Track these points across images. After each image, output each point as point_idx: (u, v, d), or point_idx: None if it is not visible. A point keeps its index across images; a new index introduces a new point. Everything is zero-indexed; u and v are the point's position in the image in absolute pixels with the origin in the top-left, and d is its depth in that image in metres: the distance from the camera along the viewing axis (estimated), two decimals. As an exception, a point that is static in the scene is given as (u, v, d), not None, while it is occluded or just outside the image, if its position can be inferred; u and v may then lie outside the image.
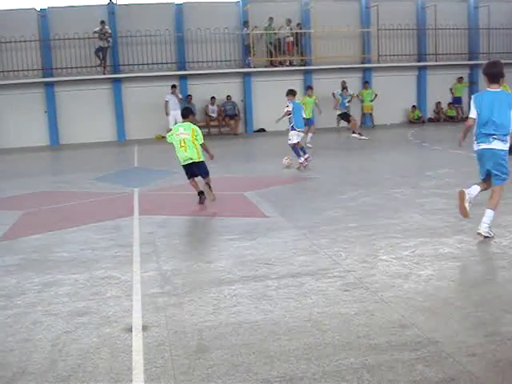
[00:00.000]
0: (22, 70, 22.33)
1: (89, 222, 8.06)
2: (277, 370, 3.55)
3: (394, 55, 25.24)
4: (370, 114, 24.67)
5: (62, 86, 22.77)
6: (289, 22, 23.69)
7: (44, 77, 22.65)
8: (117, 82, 23.13)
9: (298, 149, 12.66)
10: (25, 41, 22.09)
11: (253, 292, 4.95)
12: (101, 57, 22.58)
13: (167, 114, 21.83)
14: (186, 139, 9.11)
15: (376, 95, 23.97)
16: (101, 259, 6.19)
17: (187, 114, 9.81)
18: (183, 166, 9.28)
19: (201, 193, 9.13)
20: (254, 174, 12.36)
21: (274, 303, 4.66)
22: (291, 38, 23.83)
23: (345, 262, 5.69)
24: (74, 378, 3.59)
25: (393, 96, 24.71)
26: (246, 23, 23.60)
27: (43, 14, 22.66)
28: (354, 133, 19.04)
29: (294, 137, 12.67)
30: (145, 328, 4.28)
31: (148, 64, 23.12)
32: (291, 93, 12.87)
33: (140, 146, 19.46)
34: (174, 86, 22.11)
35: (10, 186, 12.27)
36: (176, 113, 21.92)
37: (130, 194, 10.17)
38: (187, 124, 9.42)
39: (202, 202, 9.07)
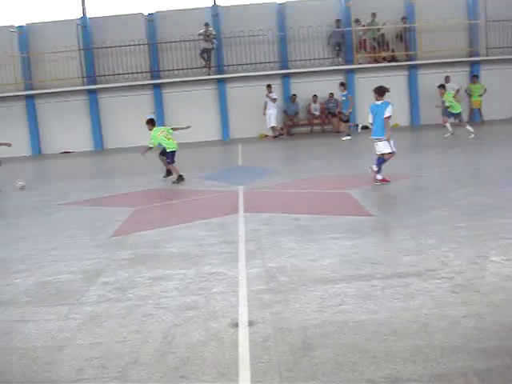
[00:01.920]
0: (132, 73, 23.28)
1: (196, 219, 8.29)
2: (382, 371, 3.50)
3: (504, 47, 24.09)
4: (479, 110, 23.68)
5: (169, 87, 23.54)
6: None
7: (152, 79, 23.50)
8: (221, 82, 23.62)
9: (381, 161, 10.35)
10: (134, 45, 23.03)
11: (358, 291, 4.90)
12: (206, 58, 23.14)
13: (264, 113, 22.13)
14: (169, 132, 12.80)
15: (485, 90, 22.99)
16: (208, 255, 6.35)
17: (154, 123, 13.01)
18: (170, 152, 12.57)
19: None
20: (357, 172, 12.20)
21: (380, 303, 4.59)
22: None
23: (453, 263, 5.51)
24: (182, 369, 3.71)
25: (502, 90, 23.61)
26: (337, 21, 23.44)
27: (150, 19, 23.54)
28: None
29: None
30: (251, 324, 4.35)
31: (251, 64, 23.44)
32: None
33: (244, 145, 19.76)
34: (269, 86, 22.34)
35: (122, 183, 12.86)
36: (271, 111, 22.13)
37: (235, 192, 10.35)
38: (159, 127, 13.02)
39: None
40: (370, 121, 10.27)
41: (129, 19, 23.58)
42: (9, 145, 13.47)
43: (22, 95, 23.66)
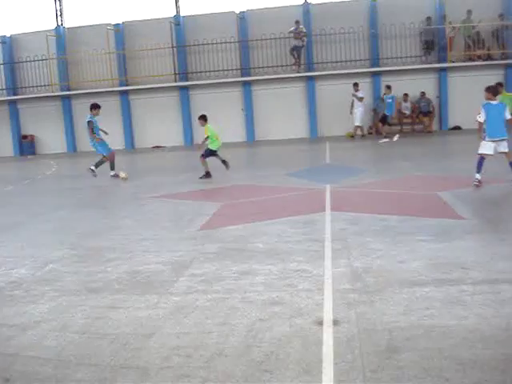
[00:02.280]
0: (223, 70, 23.65)
1: (283, 216, 8.33)
2: (469, 378, 3.39)
3: None
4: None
5: (258, 84, 23.75)
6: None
7: (242, 76, 23.78)
8: (310, 80, 23.57)
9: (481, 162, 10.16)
10: (225, 42, 23.38)
11: (446, 296, 4.77)
12: (295, 55, 23.16)
13: (351, 112, 21.87)
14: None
15: None
16: (294, 252, 6.37)
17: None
18: (215, 151, 13.27)
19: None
20: (448, 174, 11.87)
21: (469, 309, 4.45)
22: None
23: (549, 271, 5.27)
24: (266, 364, 3.74)
25: None
26: (428, 19, 22.81)
27: (242, 17, 23.81)
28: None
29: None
30: (335, 323, 4.33)
31: (341, 62, 23.25)
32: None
33: (331, 143, 19.66)
34: (355, 85, 22.06)
35: (212, 179, 13.07)
36: (357, 110, 21.85)
37: (322, 190, 10.31)
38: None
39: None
40: (481, 119, 9.95)
41: (221, 17, 23.97)
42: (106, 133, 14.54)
43: (116, 91, 24.55)
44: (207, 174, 12.98)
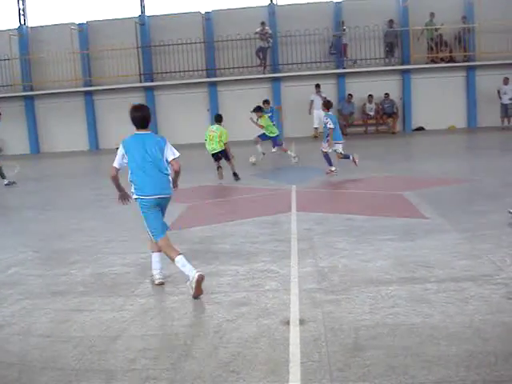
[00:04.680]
0: (188, 71, 23.55)
1: (249, 216, 8.35)
2: (434, 375, 3.45)
3: None
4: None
5: (224, 85, 23.72)
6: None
7: (208, 77, 23.72)
8: (276, 81, 23.63)
9: None
10: (191, 43, 23.29)
11: (411, 294, 4.84)
12: (261, 57, 23.20)
13: (310, 113, 22.05)
14: (214, 135, 12.17)
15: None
16: (260, 253, 6.38)
17: (219, 119, 12.60)
18: (211, 154, 12.39)
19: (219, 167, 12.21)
20: (412, 174, 12.04)
21: (433, 307, 4.52)
22: None
23: (510, 269, 5.37)
24: (233, 364, 3.74)
25: None
26: (391, 21, 23.12)
27: (208, 17, 23.76)
28: None
29: None
30: (302, 322, 4.35)
31: (306, 63, 23.35)
32: None
33: (297, 144, 19.69)
34: (317, 86, 22.26)
35: (200, 179, 12.96)
36: (319, 112, 22.02)
37: (288, 191, 10.35)
38: (218, 126, 12.36)
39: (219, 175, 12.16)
40: None
41: (186, 17, 23.85)
42: None
43: (81, 91, 24.23)
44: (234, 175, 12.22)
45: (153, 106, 24.10)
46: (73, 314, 4.87)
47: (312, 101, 22.12)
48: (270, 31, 22.86)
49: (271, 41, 22.97)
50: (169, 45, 23.38)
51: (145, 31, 23.90)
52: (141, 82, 23.97)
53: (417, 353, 3.76)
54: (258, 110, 15.29)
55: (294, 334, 4.17)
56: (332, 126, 11.87)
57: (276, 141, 15.67)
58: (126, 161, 5.51)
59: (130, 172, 5.53)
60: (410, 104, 23.51)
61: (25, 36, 24.72)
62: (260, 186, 11.17)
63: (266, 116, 15.59)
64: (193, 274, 5.00)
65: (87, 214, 9.51)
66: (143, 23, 23.94)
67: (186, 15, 23.94)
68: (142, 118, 5.67)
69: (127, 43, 23.32)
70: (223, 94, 23.85)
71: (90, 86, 24.36)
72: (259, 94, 23.60)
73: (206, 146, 12.44)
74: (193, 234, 7.56)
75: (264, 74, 23.47)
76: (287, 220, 7.99)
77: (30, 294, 5.53)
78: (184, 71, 23.58)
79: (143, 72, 23.92)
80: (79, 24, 24.49)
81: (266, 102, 17.35)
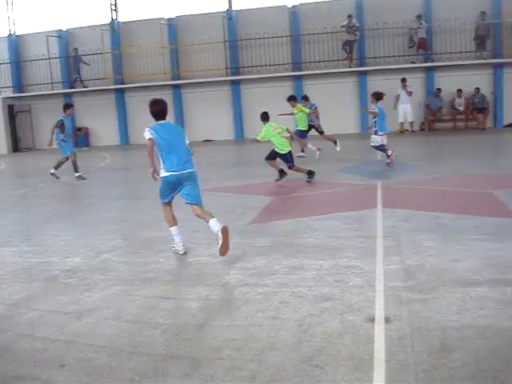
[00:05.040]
0: (274, 65, 23.62)
1: (334, 211, 8.29)
2: (526, 381, 3.32)
3: None
4: None
5: (309, 79, 23.64)
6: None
7: (293, 71, 23.71)
8: (362, 74, 23.32)
9: None
10: (277, 37, 23.34)
11: (501, 296, 4.65)
12: (347, 50, 22.94)
13: (395, 107, 21.51)
14: (281, 132, 11.40)
15: None
16: (344, 248, 6.33)
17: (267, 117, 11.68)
18: (282, 154, 11.41)
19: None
20: (503, 172, 11.57)
21: (525, 310, 4.34)
22: None
23: None
24: (317, 359, 3.73)
25: None
26: (483, 13, 22.17)
27: (294, 11, 23.71)
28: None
29: None
30: (387, 320, 4.28)
31: (393, 56, 22.90)
32: None
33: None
34: (403, 80, 21.74)
35: (260, 172, 13.08)
36: (405, 106, 21.54)
37: (374, 187, 10.20)
38: (274, 123, 11.61)
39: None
40: None
41: (273, 11, 23.93)
42: None
43: (169, 85, 24.81)
44: (310, 173, 11.37)
45: (238, 100, 24.37)
46: (160, 301, 5.01)
47: (398, 95, 21.70)
48: (357, 24, 22.57)
49: (358, 34, 22.68)
50: (255, 39, 23.55)
51: (232, 25, 24.17)
52: (227, 75, 24.26)
53: (507, 357, 3.62)
54: (290, 99, 15.03)
55: (379, 331, 4.10)
56: (376, 110, 12.81)
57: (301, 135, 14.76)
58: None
59: (160, 152, 6.47)
60: (501, 99, 22.62)
61: (116, 31, 25.54)
62: (345, 181, 11.06)
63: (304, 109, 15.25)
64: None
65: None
66: (230, 18, 24.20)
67: (272, 9, 24.02)
68: (162, 110, 6.67)
69: (215, 37, 23.65)
70: (308, 87, 23.75)
71: (179, 79, 24.88)
72: (345, 87, 23.43)
73: (280, 146, 11.43)
74: (277, 227, 7.59)
75: (350, 67, 23.21)
76: (373, 216, 7.87)
77: (119, 281, 5.73)
78: (270, 65, 23.68)
79: (230, 66, 24.19)
80: (168, 19, 25.06)
81: (304, 97, 16.49)
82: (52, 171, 13.79)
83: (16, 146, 26.45)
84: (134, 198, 10.67)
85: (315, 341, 4.01)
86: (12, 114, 26.45)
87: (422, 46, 22.70)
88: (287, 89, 23.91)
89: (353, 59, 23.22)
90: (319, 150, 15.20)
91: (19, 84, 26.95)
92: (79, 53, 25.05)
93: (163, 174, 6.53)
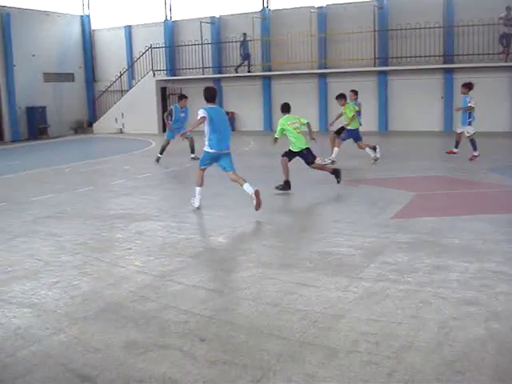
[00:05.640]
0: (424, 57, 22.86)
1: (482, 212, 7.90)
2: None
3: None
4: None
5: (461, 73, 22.59)
6: None
7: (445, 63, 22.81)
8: (521, 69, 21.93)
9: None
10: (429, 27, 22.54)
11: None
12: (504, 44, 21.67)
13: None
14: (298, 128, 10.09)
15: None
16: (492, 252, 6.01)
17: (287, 109, 10.36)
18: (297, 151, 10.08)
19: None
20: None
21: None
22: None
23: None
24: (459, 364, 3.60)
25: None
26: None
27: (449, 1, 22.74)
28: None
29: None
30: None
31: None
32: None
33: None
34: None
35: (403, 167, 12.80)
36: None
37: (526, 189, 9.59)
38: (292, 116, 10.30)
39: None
40: None
41: (426, 1, 23.10)
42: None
43: (315, 73, 24.83)
44: (285, 184, 9.96)
45: (384, 91, 23.89)
46: (299, 288, 5.06)
47: None
48: (517, 16, 21.22)
49: (518, 27, 21.31)
50: (406, 29, 22.88)
51: (383, 15, 23.64)
52: (375, 66, 23.83)
53: None
54: (340, 97, 13.39)
55: (528, 343, 3.88)
56: (473, 105, 13.17)
57: (355, 136, 13.43)
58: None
59: (209, 131, 8.20)
60: None
61: (267, 18, 25.90)
62: (495, 182, 10.46)
63: (352, 106, 13.47)
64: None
65: (316, 194, 9.77)
66: (382, 7, 23.68)
67: (424, -1, 23.19)
68: (214, 94, 8.43)
69: (364, 27, 23.30)
70: (459, 81, 22.70)
71: (325, 68, 24.82)
72: (499, 83, 22.19)
73: (295, 142, 10.06)
74: (421, 224, 7.36)
75: (506, 61, 21.90)
76: (524, 221, 7.41)
77: (260, 263, 5.86)
78: (420, 56, 22.94)
79: (378, 56, 23.74)
80: (319, 7, 25.01)
81: (353, 91, 14.44)
82: (158, 156, 14.83)
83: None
84: (276, 184, 10.78)
85: (457, 345, 3.86)
86: (164, 96, 27.83)
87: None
88: (437, 81, 23.10)
89: (509, 53, 21.88)
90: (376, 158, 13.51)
91: (172, 68, 28.22)
92: (247, 38, 25.58)
93: (207, 149, 8.34)
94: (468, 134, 13.49)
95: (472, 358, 3.69)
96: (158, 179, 12.67)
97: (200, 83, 26.94)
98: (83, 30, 30.03)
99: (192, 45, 26.77)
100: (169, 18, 28.39)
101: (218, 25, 27.24)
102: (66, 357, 3.90)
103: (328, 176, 10.24)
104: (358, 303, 4.66)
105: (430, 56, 22.87)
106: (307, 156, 10.10)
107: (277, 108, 25.52)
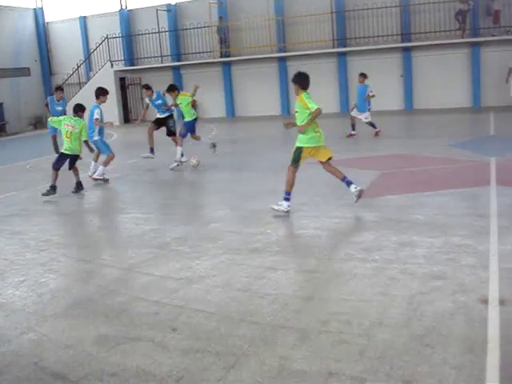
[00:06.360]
0: (382, 36, 23.02)
1: (444, 188, 8.02)
2: None
3: None
4: None
5: (418, 50, 22.84)
6: None
7: (402, 42, 23.00)
8: (475, 46, 22.23)
9: None
10: (384, 7, 22.68)
11: None
12: (460, 20, 21.93)
13: (507, 81, 20.26)
14: (74, 132, 9.62)
15: None
16: (456, 226, 6.11)
17: (78, 109, 9.91)
18: (61, 153, 9.79)
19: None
20: None
21: None
22: None
23: None
24: (428, 338, 3.65)
25: None
26: None
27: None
28: None
29: None
30: (502, 302, 4.11)
31: (506, 27, 21.62)
32: None
33: (496, 114, 18.49)
34: None
35: (368, 146, 12.91)
36: None
37: (486, 163, 9.74)
38: (78, 119, 9.78)
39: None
40: None
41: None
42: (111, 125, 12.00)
43: (274, 57, 24.78)
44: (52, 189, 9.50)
45: (344, 72, 24.02)
46: (268, 272, 5.07)
47: (510, 69, 20.48)
48: (470, -7, 21.48)
49: (472, 3, 21.58)
50: (363, 9, 22.97)
51: (340, -5, 23.72)
52: (334, 47, 23.90)
53: None
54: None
55: (493, 314, 3.95)
56: (374, 94, 13.98)
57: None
58: None
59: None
60: None
61: (223, 4, 25.70)
62: (456, 157, 10.62)
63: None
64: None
65: (280, 177, 9.76)
66: (338, -13, 23.76)
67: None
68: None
69: (321, 8, 23.33)
70: (418, 59, 22.98)
71: (284, 52, 24.80)
72: (456, 59, 22.47)
73: (63, 142, 9.90)
74: (386, 202, 7.45)
75: (463, 37, 22.18)
76: (486, 194, 7.53)
77: (228, 250, 5.86)
78: (378, 36, 23.08)
79: (336, 38, 23.81)
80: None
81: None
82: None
83: (127, 117, 27.50)
84: (241, 170, 10.81)
85: (426, 319, 3.92)
86: (124, 86, 27.49)
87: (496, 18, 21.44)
88: (396, 60, 23.29)
89: (466, 29, 22.16)
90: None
91: (130, 57, 27.87)
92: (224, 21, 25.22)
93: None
94: (366, 120, 14.57)
95: (441, 331, 3.75)
96: (121, 171, 12.51)
97: (159, 72, 26.73)
98: (37, 23, 29.44)
99: (149, 33, 26.46)
100: (124, 7, 27.97)
101: (174, 12, 26.95)
102: (37, 355, 3.84)
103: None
104: (327, 284, 4.70)
105: (387, 35, 23.03)
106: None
107: (239, 93, 25.67)
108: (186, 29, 26.32)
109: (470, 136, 14.01)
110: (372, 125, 14.70)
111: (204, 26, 25.37)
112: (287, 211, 7.07)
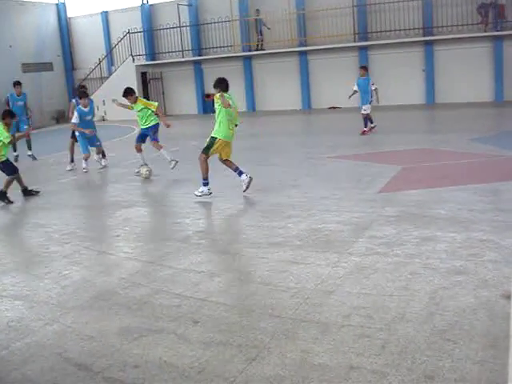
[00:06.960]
0: (404, 30, 22.83)
1: (466, 183, 7.96)
2: None
3: None
4: None
5: (441, 44, 22.62)
6: None
7: (424, 36, 22.79)
8: (498, 39, 21.96)
9: None
10: (406, 0, 22.48)
11: None
12: (483, 14, 21.67)
13: None
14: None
15: None
16: (478, 221, 6.06)
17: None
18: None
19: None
20: None
21: None
22: None
23: None
24: (449, 333, 3.64)
25: None
26: None
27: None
28: None
29: None
30: (526, 298, 4.08)
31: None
32: None
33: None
34: None
35: (389, 141, 12.85)
36: None
37: (509, 158, 9.65)
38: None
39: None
40: None
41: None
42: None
43: (296, 51, 24.71)
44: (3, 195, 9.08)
45: (366, 66, 23.87)
46: (289, 266, 5.08)
47: None
48: (492, -13, 21.22)
49: (495, -3, 21.32)
50: (384, 3, 22.81)
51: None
52: (355, 41, 23.77)
53: None
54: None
55: (516, 309, 3.93)
56: (377, 86, 13.88)
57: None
58: None
59: None
60: None
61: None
62: (479, 152, 10.52)
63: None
64: None
65: (302, 171, 9.79)
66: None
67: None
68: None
69: (343, 3, 23.21)
70: (440, 53, 22.77)
71: (305, 46, 24.72)
72: (478, 53, 22.23)
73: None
74: (407, 197, 7.40)
75: (485, 31, 21.92)
76: (509, 189, 7.46)
77: (249, 243, 5.88)
78: (399, 30, 22.90)
79: (358, 31, 23.68)
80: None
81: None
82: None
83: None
84: (262, 164, 10.79)
85: (448, 314, 3.91)
86: (145, 81, 27.62)
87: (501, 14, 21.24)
88: (417, 54, 23.10)
89: (488, 23, 21.89)
90: None
91: (151, 52, 27.99)
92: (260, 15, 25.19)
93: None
94: (365, 112, 14.41)
95: (463, 326, 3.73)
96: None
97: (180, 66, 26.85)
98: (59, 18, 29.66)
99: (170, 28, 26.52)
100: (145, 1, 28.07)
101: (195, 7, 26.99)
102: (61, 346, 3.90)
103: (313, 154, 10.26)
104: (349, 278, 4.70)
105: (409, 29, 22.83)
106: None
107: (259, 87, 25.67)
108: (207, 23, 26.35)
109: (493, 130, 13.87)
110: (369, 119, 14.53)
111: (225, 21, 25.36)
112: (210, 194, 8.08)
